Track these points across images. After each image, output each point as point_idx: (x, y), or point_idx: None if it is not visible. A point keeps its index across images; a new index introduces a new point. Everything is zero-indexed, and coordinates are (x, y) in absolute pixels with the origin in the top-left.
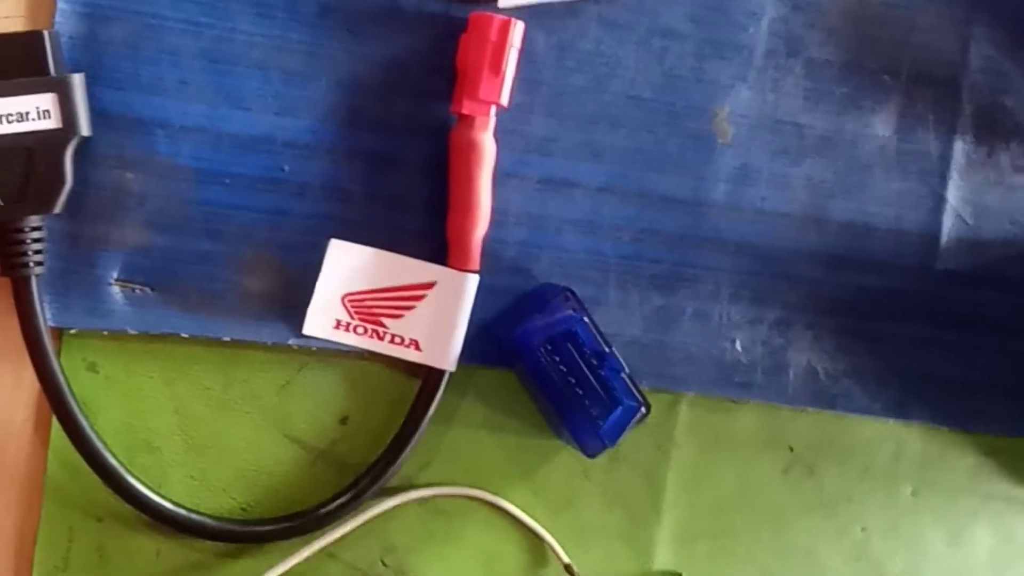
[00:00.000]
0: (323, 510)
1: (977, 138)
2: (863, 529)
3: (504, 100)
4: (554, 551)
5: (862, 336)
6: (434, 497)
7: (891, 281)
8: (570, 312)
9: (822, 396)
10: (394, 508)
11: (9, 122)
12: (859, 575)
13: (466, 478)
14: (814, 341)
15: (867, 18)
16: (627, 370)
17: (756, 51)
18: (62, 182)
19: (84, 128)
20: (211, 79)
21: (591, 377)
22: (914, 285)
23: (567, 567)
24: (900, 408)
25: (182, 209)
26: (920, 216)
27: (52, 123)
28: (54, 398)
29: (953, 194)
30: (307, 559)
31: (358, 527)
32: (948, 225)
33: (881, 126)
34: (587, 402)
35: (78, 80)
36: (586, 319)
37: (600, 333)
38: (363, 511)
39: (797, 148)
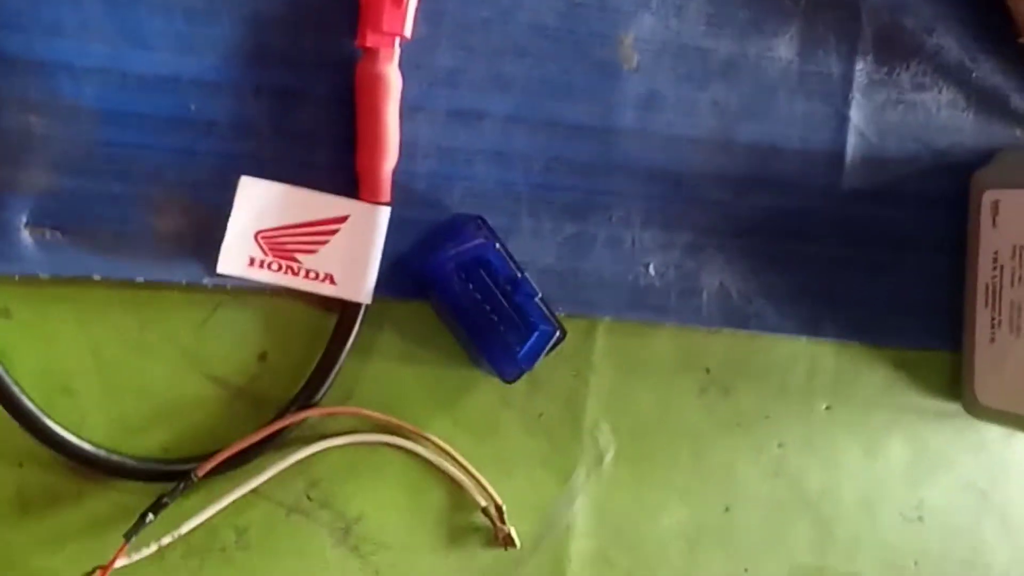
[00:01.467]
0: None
1: (877, 58)
2: (780, 445)
3: (407, 32)
4: (481, 487)
5: (772, 256)
6: (354, 444)
7: (799, 201)
8: (482, 240)
9: (735, 316)
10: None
11: None
12: (777, 490)
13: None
14: (726, 263)
15: None
16: (540, 295)
17: None
18: None
19: None
20: (112, 19)
21: (505, 303)
22: (821, 204)
23: (483, 510)
24: (812, 325)
25: (89, 151)
26: (825, 136)
27: None
28: None
29: (856, 114)
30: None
31: (284, 469)
32: (852, 144)
33: (784, 49)
34: (502, 328)
35: None
36: (498, 245)
37: (513, 259)
38: (287, 451)
39: (702, 73)
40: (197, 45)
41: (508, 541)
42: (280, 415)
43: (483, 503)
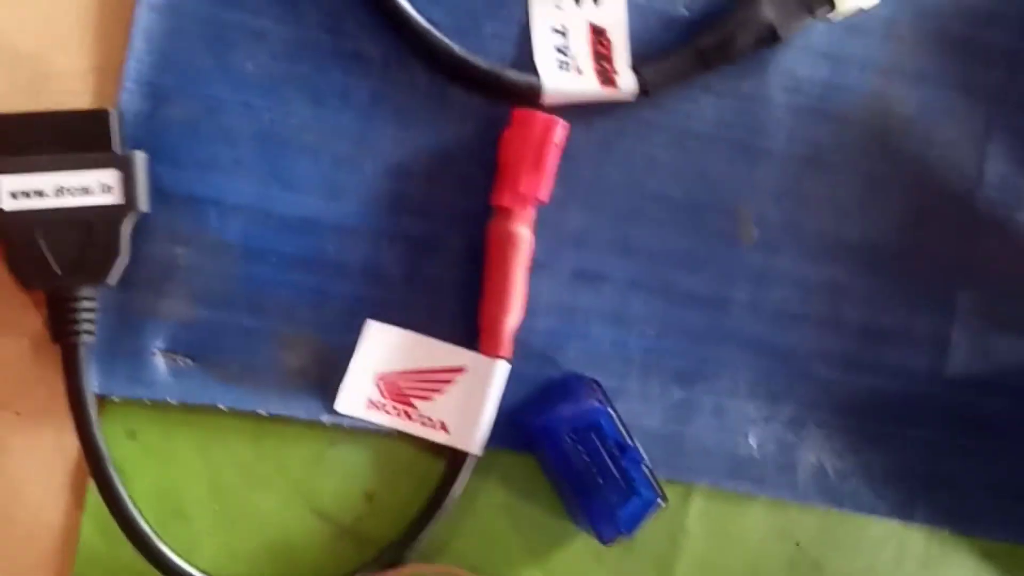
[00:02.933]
0: None
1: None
2: None
3: (544, 196)
4: None
5: (871, 437)
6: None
7: (901, 385)
8: (596, 403)
9: (830, 494)
10: None
11: (72, 195)
12: None
13: (482, 558)
14: (825, 440)
15: (889, 130)
16: (647, 462)
17: (781, 157)
18: (118, 255)
19: (143, 204)
20: (264, 160)
21: (612, 467)
22: (924, 389)
23: None
24: (905, 509)
25: (228, 284)
26: (931, 324)
27: (113, 198)
28: (94, 463)
29: (962, 304)
30: None
31: None
32: (957, 332)
33: (896, 237)
34: (607, 492)
35: (141, 158)
36: (611, 410)
37: (623, 425)
38: None
39: (819, 252)
40: (340, 190)
41: None
42: (379, 557)
43: None
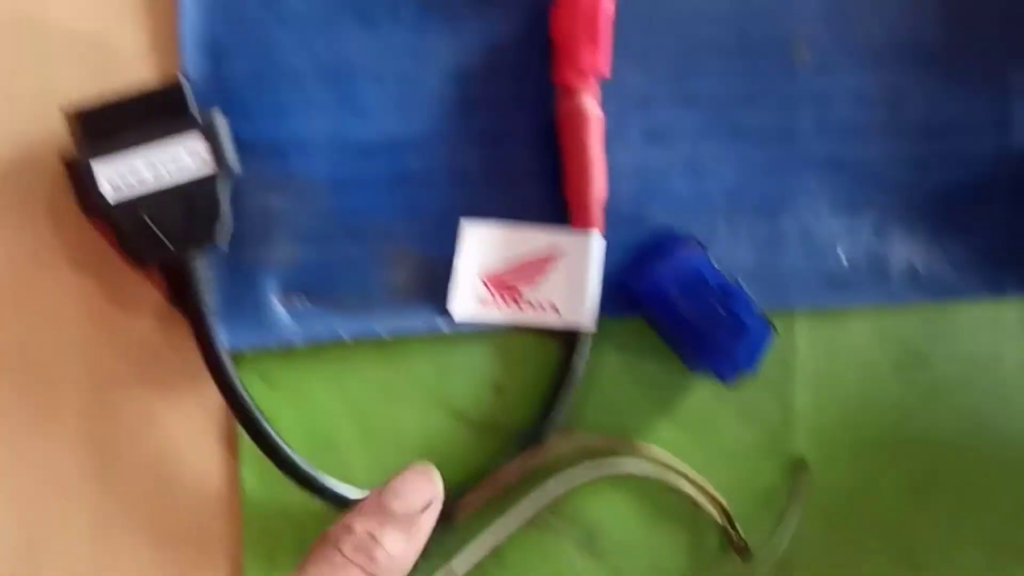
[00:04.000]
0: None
1: None
2: (975, 406)
3: (605, 70)
4: (711, 496)
5: (951, 225)
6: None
7: (972, 170)
8: (693, 255)
9: (924, 288)
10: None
11: (167, 170)
12: (980, 449)
13: (612, 422)
14: (909, 239)
15: None
16: (752, 298)
17: None
18: (221, 219)
19: (233, 164)
20: (331, 93)
21: (721, 311)
22: (992, 169)
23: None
24: (995, 284)
25: (324, 219)
26: (990, 106)
27: (205, 166)
28: (241, 414)
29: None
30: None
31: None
32: (1017, 109)
33: (944, 28)
34: (721, 335)
35: (221, 120)
36: (709, 259)
37: (721, 268)
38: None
39: (872, 61)
40: (409, 106)
41: (742, 550)
42: (523, 444)
43: (715, 514)
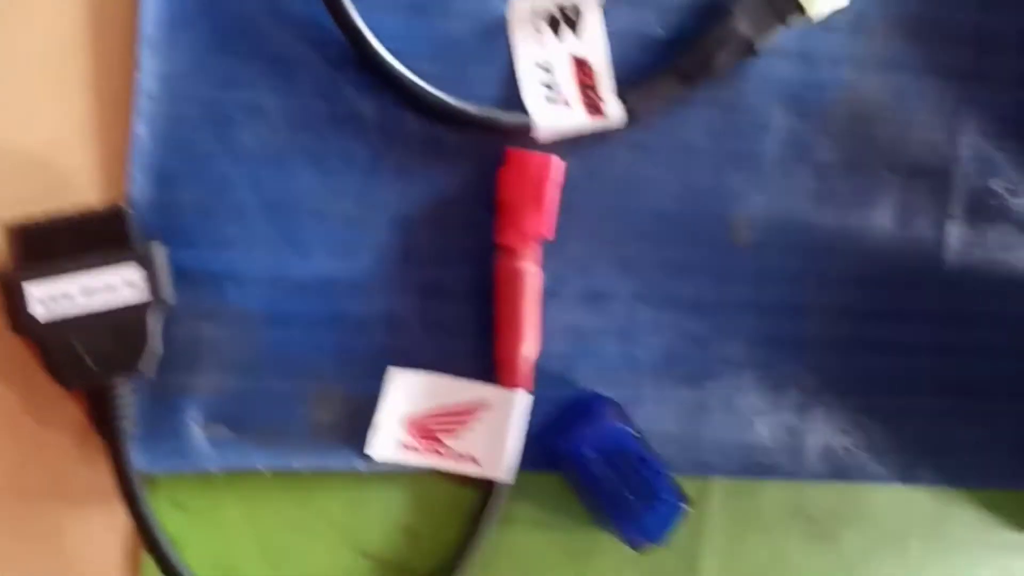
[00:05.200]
0: None
1: (968, 221)
2: None
3: (548, 233)
4: None
5: (872, 412)
6: None
7: (900, 360)
8: (616, 422)
9: (838, 469)
10: None
11: (99, 295)
12: None
13: (522, 573)
14: (829, 420)
15: (867, 118)
16: (668, 471)
17: (767, 159)
18: (149, 348)
19: (168, 297)
20: (275, 230)
21: (636, 480)
22: (919, 362)
23: None
24: (909, 472)
25: (255, 352)
26: (921, 295)
27: (139, 294)
28: (147, 538)
29: (949, 275)
30: None
31: None
32: (944, 299)
33: (881, 218)
34: (634, 503)
35: (159, 251)
36: (629, 427)
37: (641, 437)
38: None
39: (809, 246)
40: (351, 248)
41: None
42: None
43: None
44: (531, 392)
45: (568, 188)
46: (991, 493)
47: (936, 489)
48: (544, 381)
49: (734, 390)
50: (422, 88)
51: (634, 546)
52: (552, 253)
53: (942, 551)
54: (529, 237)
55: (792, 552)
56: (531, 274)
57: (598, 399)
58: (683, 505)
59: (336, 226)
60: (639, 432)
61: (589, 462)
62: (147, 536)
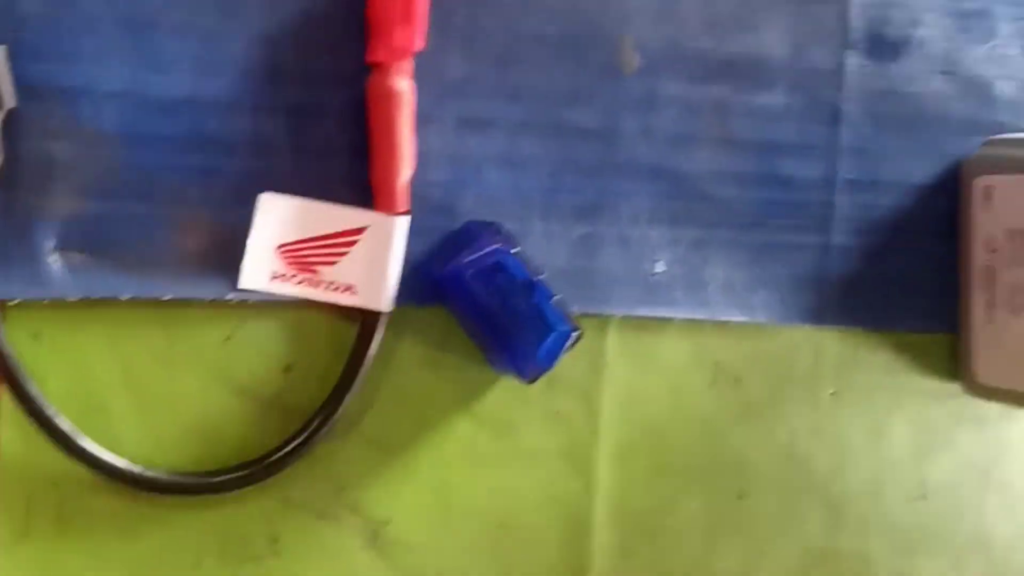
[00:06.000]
0: (274, 456)
1: (867, 51)
2: (790, 432)
3: (419, 45)
4: None
5: (774, 248)
6: None
7: (797, 194)
8: (497, 245)
9: (742, 307)
10: (344, 449)
11: None
12: (788, 476)
13: (408, 414)
14: (730, 256)
15: None
16: (557, 296)
17: None
18: None
19: (9, 100)
20: (130, 45)
21: (524, 306)
22: (819, 196)
23: None
24: (816, 314)
25: (112, 174)
26: (820, 130)
27: None
28: (3, 369)
29: (848, 106)
30: (264, 505)
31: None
32: (846, 136)
33: (776, 46)
34: (521, 330)
35: (1, 53)
36: (513, 250)
37: (528, 262)
38: (314, 453)
39: (701, 73)
40: (213, 66)
41: None
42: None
43: None
44: (410, 220)
45: (444, 4)
46: (903, 336)
47: (845, 331)
48: (425, 210)
49: (628, 224)
50: None
51: (524, 377)
52: (429, 76)
53: (854, 396)
54: (399, 51)
55: (697, 395)
56: (404, 93)
57: (479, 224)
58: (573, 331)
59: (195, 42)
60: (525, 257)
61: (470, 288)
62: (4, 367)
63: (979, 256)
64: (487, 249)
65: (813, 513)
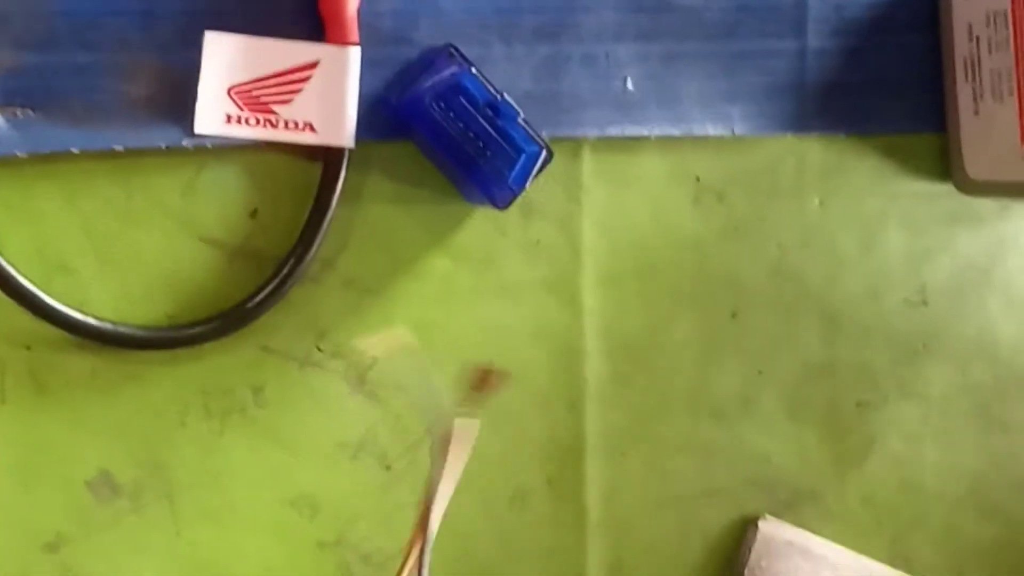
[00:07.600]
0: (248, 304)
1: None
2: (778, 245)
3: None
4: None
5: (749, 55)
6: None
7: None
8: (455, 67)
9: (719, 121)
10: (321, 293)
11: None
12: (781, 291)
13: (382, 255)
14: (702, 68)
15: None
16: (523, 115)
17: None
18: None
19: None
20: None
21: (489, 128)
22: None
23: None
24: (797, 121)
25: (48, 23)
26: None
27: None
28: None
29: None
30: (244, 356)
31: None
32: None
33: None
34: (489, 154)
35: None
36: (473, 70)
37: (489, 83)
38: (290, 299)
39: None
40: None
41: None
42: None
43: None
44: (362, 50)
45: None
46: (889, 138)
47: (828, 138)
48: (380, 42)
49: (592, 40)
50: None
51: (496, 203)
52: None
53: (843, 204)
54: None
55: (678, 214)
56: None
57: (435, 49)
58: (543, 151)
59: None
60: (487, 78)
61: (433, 115)
62: None
63: (961, 46)
64: (445, 72)
65: (810, 327)
